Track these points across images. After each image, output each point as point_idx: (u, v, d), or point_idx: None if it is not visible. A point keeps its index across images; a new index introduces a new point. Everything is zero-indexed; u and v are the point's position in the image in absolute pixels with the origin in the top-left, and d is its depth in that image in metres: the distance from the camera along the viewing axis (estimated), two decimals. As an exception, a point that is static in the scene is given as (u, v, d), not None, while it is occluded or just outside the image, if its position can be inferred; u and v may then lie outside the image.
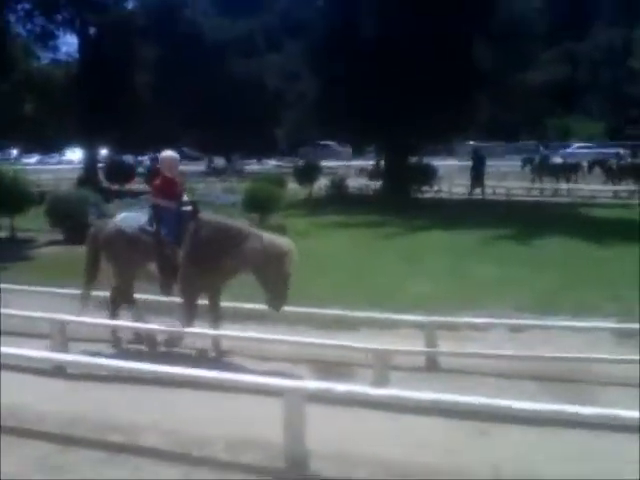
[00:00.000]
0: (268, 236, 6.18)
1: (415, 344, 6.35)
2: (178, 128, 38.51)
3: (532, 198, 23.31)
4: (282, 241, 6.15)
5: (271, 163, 38.93)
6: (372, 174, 26.35)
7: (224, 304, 7.60)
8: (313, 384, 4.51)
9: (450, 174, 27.98)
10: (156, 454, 4.53)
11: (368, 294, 8.63)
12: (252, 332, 6.75)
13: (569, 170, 24.75)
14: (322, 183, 25.11)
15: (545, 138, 45.56)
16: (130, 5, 38.24)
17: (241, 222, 6.70)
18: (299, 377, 5.43)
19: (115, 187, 27.39)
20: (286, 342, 6.46)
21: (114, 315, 6.97)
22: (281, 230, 14.04)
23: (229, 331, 6.74)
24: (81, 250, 7.36)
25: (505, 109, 38.77)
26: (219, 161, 42.92)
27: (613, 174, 24.25)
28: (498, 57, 27.13)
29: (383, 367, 5.54)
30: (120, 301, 7.00)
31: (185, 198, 6.71)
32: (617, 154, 25.65)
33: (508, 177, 28.86)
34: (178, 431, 4.82)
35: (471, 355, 5.95)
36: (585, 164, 27.01)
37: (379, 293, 8.76)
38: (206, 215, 6.56)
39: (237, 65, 40.52)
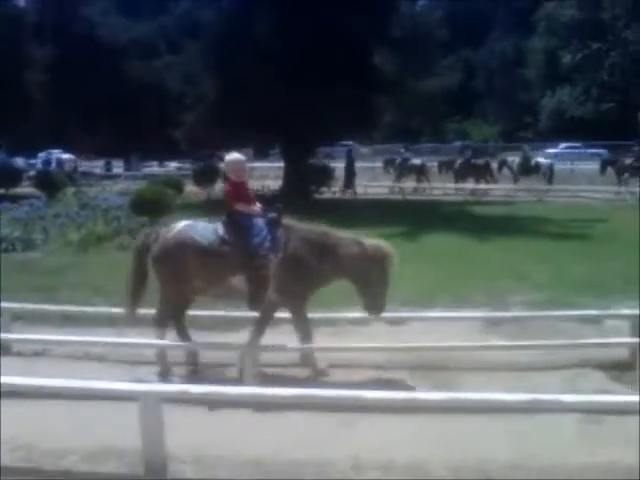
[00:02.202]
0: (368, 240, 5.81)
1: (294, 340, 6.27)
2: (75, 130, 37.04)
3: (395, 197, 24.50)
4: (383, 244, 5.78)
5: (172, 165, 38.28)
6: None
7: (96, 309, 7.33)
8: (168, 387, 4.32)
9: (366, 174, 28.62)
10: (11, 472, 4.22)
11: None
12: (127, 337, 6.47)
13: (420, 171, 26.27)
14: (222, 185, 24.76)
15: (444, 141, 47.24)
16: (22, 2, 36.63)
17: (329, 228, 6.00)
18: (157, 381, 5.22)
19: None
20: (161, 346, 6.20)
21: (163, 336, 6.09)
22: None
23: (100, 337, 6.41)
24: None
25: (405, 113, 39.89)
26: (118, 163, 41.62)
27: (457, 173, 26.07)
28: (399, 62, 27.85)
29: (252, 365, 5.41)
30: (169, 320, 6.09)
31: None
32: (466, 154, 27.38)
33: (374, 177, 30.05)
34: (31, 445, 4.52)
35: (346, 349, 5.93)
36: (435, 164, 28.79)
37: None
38: (291, 221, 5.93)
39: (136, 66, 39.56)
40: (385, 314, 6.84)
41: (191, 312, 6.36)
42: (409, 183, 26.49)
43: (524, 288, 8.72)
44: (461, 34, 51.10)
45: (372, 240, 5.83)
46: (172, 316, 6.08)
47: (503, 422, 4.47)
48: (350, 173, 24.51)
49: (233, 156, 6.12)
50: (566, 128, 48.59)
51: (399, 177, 27.15)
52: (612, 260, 10.41)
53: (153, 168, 39.03)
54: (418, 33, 29.56)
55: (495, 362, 5.97)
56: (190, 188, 24.22)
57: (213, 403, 4.61)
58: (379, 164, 32.81)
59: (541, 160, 25.82)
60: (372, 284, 5.66)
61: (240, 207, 5.81)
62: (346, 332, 6.82)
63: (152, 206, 13.68)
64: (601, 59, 51.65)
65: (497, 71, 60.05)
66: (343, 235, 5.87)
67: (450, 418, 4.41)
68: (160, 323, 6.00)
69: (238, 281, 5.69)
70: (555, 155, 36.95)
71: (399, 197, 24.46)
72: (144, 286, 6.03)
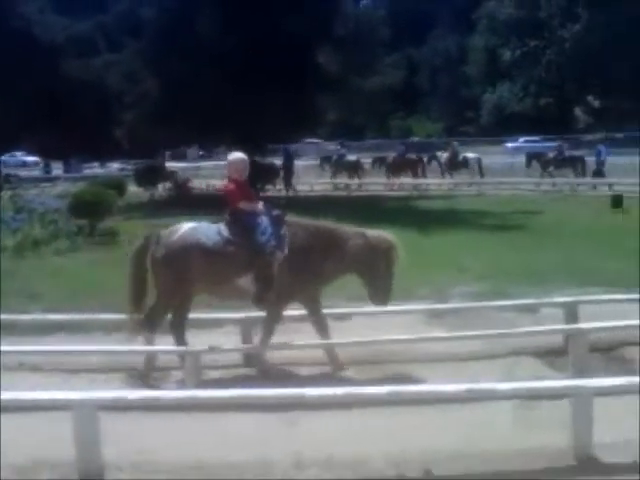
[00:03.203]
0: (372, 232, 5.86)
1: (235, 341, 6.23)
2: (15, 130, 35.79)
3: (339, 193, 24.71)
4: (387, 235, 5.87)
5: (114, 166, 37.46)
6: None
7: (31, 316, 7.09)
8: (103, 394, 4.20)
9: (295, 173, 28.44)
10: None
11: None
12: (62, 344, 6.27)
13: (354, 167, 26.66)
14: (167, 185, 24.44)
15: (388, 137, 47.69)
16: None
17: (331, 222, 6.09)
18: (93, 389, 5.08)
19: None
20: (99, 352, 6.05)
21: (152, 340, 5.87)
22: (112, 235, 13.46)
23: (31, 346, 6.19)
24: None
25: (350, 110, 40.13)
26: (58, 165, 40.45)
27: (391, 168, 26.55)
28: (342, 61, 27.98)
29: (195, 368, 5.33)
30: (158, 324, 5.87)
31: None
32: (399, 150, 27.89)
33: (309, 174, 29.98)
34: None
35: (290, 347, 5.90)
36: (369, 161, 29.06)
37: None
38: (294, 218, 5.97)
39: (75, 64, 38.51)
40: (330, 310, 6.90)
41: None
42: (356, 180, 26.68)
43: (464, 280, 8.87)
44: (404, 32, 51.63)
45: (375, 232, 5.91)
46: (161, 320, 5.87)
47: (443, 413, 4.52)
48: (288, 171, 24.54)
49: (236, 155, 6.08)
50: (506, 123, 49.83)
51: (335, 173, 27.37)
52: (548, 250, 10.74)
53: (94, 169, 38.11)
54: (361, 32, 29.76)
55: (437, 353, 6.07)
56: (133, 189, 23.75)
57: (151, 408, 4.50)
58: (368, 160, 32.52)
59: (469, 155, 26.48)
60: (377, 276, 5.73)
61: (244, 206, 5.77)
62: (291, 329, 6.77)
63: (92, 208, 13.31)
64: (538, 56, 53.25)
65: (440, 68, 61.02)
66: (346, 229, 5.94)
67: (391, 411, 4.44)
68: (150, 328, 5.81)
69: (244, 281, 5.64)
70: (515, 149, 37.76)
71: (344, 193, 24.60)
72: (145, 291, 5.85)
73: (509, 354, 6.08)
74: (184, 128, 22.50)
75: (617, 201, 16.90)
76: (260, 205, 5.90)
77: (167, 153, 37.10)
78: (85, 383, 5.62)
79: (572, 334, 5.53)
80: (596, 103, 54.42)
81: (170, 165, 30.01)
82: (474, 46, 59.01)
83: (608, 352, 6.07)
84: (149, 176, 24.39)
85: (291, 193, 23.83)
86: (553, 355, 5.93)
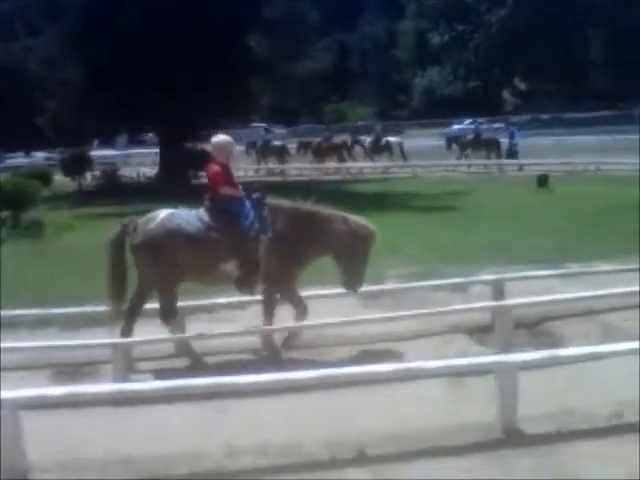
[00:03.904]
0: (353, 217, 5.91)
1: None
2: None
3: (274, 179, 24.41)
4: (367, 222, 5.95)
5: (40, 155, 36.01)
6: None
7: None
8: (23, 392, 4.02)
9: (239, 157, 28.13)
10: None
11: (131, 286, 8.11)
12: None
13: (279, 152, 26.80)
14: (95, 174, 23.73)
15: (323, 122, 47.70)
16: None
17: (313, 206, 5.94)
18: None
19: None
20: (24, 349, 5.80)
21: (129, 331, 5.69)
22: (38, 226, 12.94)
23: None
24: None
25: (282, 95, 39.86)
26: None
27: (316, 153, 26.90)
28: (273, 45, 27.66)
29: (125, 361, 5.18)
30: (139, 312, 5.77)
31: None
32: (325, 135, 28.16)
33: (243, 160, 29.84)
34: None
35: (221, 335, 5.82)
36: (294, 146, 29.26)
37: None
38: (275, 201, 5.89)
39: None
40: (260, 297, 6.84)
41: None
42: (287, 164, 26.60)
43: (398, 261, 8.97)
44: (334, 17, 51.60)
45: (356, 217, 5.97)
46: (141, 309, 5.78)
47: (375, 393, 4.56)
48: None
49: (221, 137, 5.99)
50: (437, 106, 50.74)
51: (261, 159, 27.30)
52: (477, 230, 11.01)
53: (18, 159, 36.50)
54: (292, 16, 29.53)
55: (372, 335, 6.12)
56: (59, 178, 22.92)
57: (77, 404, 4.35)
58: (293, 145, 32.26)
59: (391, 139, 26.89)
60: (354, 261, 5.79)
61: (225, 191, 5.69)
62: (223, 318, 6.69)
63: (14, 199, 12.77)
64: (467, 41, 54.36)
65: (371, 53, 61.45)
66: (329, 212, 5.94)
67: (324, 395, 4.45)
68: (130, 317, 5.70)
69: (228, 266, 5.59)
70: (460, 130, 38.30)
71: (279, 179, 24.50)
72: (125, 281, 5.69)
73: (442, 332, 6.20)
74: (110, 116, 21.78)
75: (542, 181, 17.49)
76: (240, 190, 5.83)
77: (95, 141, 36.01)
78: (13, 381, 5.38)
79: (497, 311, 5.66)
80: (522, 86, 56.13)
81: (98, 153, 29.13)
82: (404, 30, 59.68)
83: (533, 327, 6.27)
84: (76, 165, 23.55)
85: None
86: (483, 332, 6.08)
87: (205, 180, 21.76)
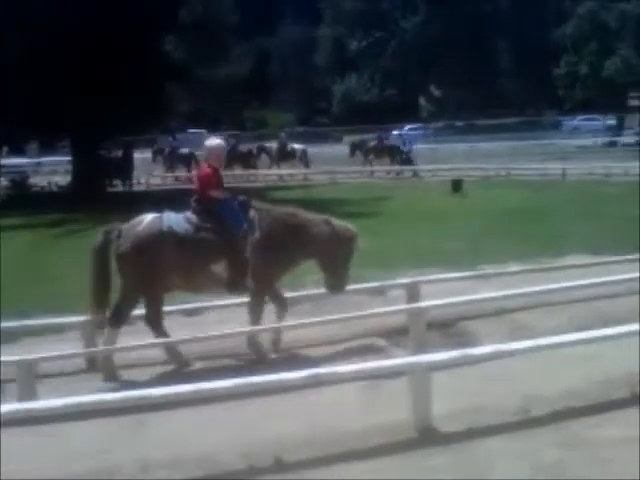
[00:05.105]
0: (336, 221, 6.10)
1: (79, 346, 5.89)
2: None
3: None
4: (350, 225, 6.16)
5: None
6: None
7: None
8: None
9: (148, 166, 27.51)
10: None
11: (43, 299, 7.78)
12: None
13: (187, 160, 26.05)
14: (2, 183, 22.70)
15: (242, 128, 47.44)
16: None
17: (297, 209, 6.17)
18: None
19: None
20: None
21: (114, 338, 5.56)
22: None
23: None
24: None
25: (201, 101, 39.39)
26: None
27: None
28: (189, 49, 27.30)
29: (30, 378, 4.95)
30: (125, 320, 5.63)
31: None
32: (231, 143, 28.21)
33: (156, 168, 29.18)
34: None
35: (136, 348, 5.67)
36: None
37: (55, 297, 7.95)
38: (260, 204, 6.09)
39: None
40: (180, 306, 6.73)
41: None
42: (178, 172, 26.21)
43: (317, 267, 9.00)
44: (253, 21, 51.49)
45: (339, 221, 6.19)
46: (128, 316, 5.70)
47: (291, 400, 4.56)
48: (126, 166, 23.51)
49: (215, 141, 6.23)
50: (356, 113, 51.49)
51: (168, 167, 26.84)
52: (396, 234, 11.24)
53: None
54: (209, 19, 29.26)
55: (292, 341, 6.13)
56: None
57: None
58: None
59: (296, 146, 27.16)
60: (337, 263, 5.97)
61: (214, 194, 5.82)
62: (143, 329, 6.52)
63: None
64: (383, 47, 55.53)
65: (290, 58, 61.63)
66: (312, 215, 6.14)
67: (238, 404, 4.41)
68: (115, 325, 5.56)
69: (217, 268, 5.65)
70: (400, 136, 38.84)
71: (189, 186, 24.07)
72: (109, 288, 5.66)
73: (360, 336, 6.28)
74: (19, 122, 20.80)
75: (457, 186, 18.07)
76: (226, 193, 5.98)
77: (4, 149, 34.37)
78: None
79: (412, 313, 5.80)
80: (437, 92, 57.82)
81: (7, 162, 27.86)
82: (322, 36, 60.25)
83: (447, 328, 6.45)
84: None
85: (143, 188, 22.94)
86: (399, 334, 6.20)
87: (120, 188, 21.25)
